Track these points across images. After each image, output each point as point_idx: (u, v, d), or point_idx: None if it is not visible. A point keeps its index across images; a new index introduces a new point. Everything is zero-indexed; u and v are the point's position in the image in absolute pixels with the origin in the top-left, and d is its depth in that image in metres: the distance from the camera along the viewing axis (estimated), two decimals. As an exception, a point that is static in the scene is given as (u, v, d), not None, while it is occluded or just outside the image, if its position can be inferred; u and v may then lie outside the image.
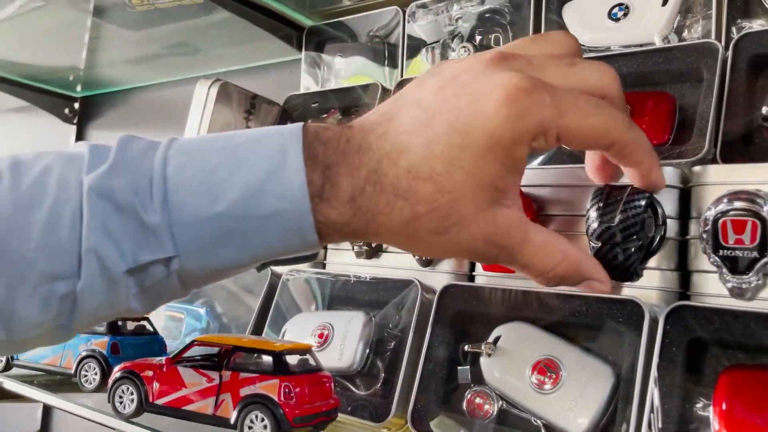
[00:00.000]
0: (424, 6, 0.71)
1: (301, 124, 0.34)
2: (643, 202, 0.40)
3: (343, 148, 0.33)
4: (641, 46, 0.56)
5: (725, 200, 0.39)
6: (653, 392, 0.38)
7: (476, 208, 0.32)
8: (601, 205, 0.41)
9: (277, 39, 0.83)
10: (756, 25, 0.52)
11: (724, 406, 0.36)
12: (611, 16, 0.59)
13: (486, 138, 0.32)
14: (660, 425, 0.37)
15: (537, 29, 0.63)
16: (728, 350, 0.39)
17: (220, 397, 0.42)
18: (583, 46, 0.60)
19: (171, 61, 1.05)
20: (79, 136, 1.30)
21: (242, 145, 0.34)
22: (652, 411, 0.38)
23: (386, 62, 0.76)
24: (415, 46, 0.72)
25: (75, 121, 1.30)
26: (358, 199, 0.32)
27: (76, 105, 1.30)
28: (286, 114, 0.76)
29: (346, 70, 0.79)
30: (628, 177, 0.39)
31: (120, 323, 0.55)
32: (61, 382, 0.57)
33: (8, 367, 0.57)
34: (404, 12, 0.73)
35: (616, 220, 0.41)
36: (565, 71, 0.35)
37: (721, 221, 0.39)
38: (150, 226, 0.32)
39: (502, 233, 0.33)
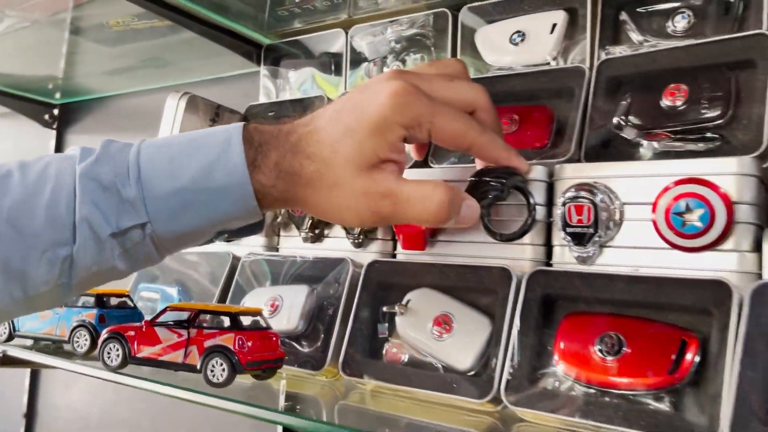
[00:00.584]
0: (363, 29, 0.83)
1: (244, 122, 0.46)
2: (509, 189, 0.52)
3: (275, 133, 0.45)
4: (536, 66, 0.69)
5: (572, 190, 0.52)
6: (515, 336, 0.51)
7: (359, 168, 0.44)
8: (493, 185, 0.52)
9: (238, 55, 0.95)
10: (617, 51, 0.65)
11: (561, 344, 0.49)
12: (511, 41, 0.71)
13: (375, 118, 0.44)
14: (518, 359, 0.50)
15: (454, 50, 0.75)
16: (573, 302, 0.51)
17: (188, 349, 0.54)
18: (492, 66, 0.73)
19: (144, 73, 1.16)
20: (59, 141, 1.39)
21: (197, 138, 0.46)
22: (514, 349, 0.50)
23: (333, 74, 0.88)
24: (360, 60, 0.84)
25: (54, 126, 1.39)
26: (280, 164, 0.44)
27: (56, 111, 1.39)
28: (246, 121, 0.87)
29: (298, 81, 0.90)
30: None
31: (105, 299, 0.66)
32: (56, 349, 0.68)
33: (11, 337, 0.68)
34: (347, 32, 0.85)
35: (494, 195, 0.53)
36: (445, 86, 0.48)
37: (567, 206, 0.52)
38: (128, 200, 0.44)
39: (381, 189, 0.44)
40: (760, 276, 0.46)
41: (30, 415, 1.35)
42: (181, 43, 0.97)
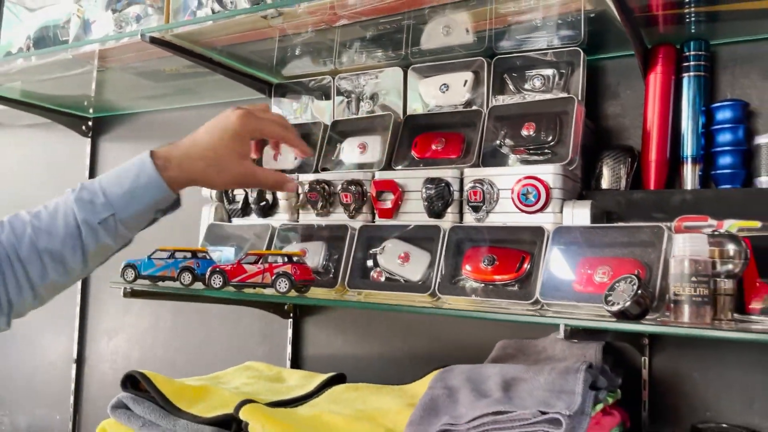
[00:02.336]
0: (344, 78, 1.26)
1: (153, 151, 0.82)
2: (442, 187, 0.97)
3: (172, 149, 0.82)
4: (455, 106, 1.14)
5: (471, 183, 0.97)
6: (441, 262, 0.96)
7: (232, 161, 0.82)
8: (430, 186, 0.97)
9: (255, 90, 1.36)
10: (501, 99, 1.10)
11: (466, 263, 0.94)
12: (440, 90, 1.16)
13: (232, 131, 0.82)
14: (444, 273, 0.95)
15: (405, 95, 1.19)
16: (472, 242, 0.97)
17: (264, 275, 0.97)
18: (429, 105, 1.17)
19: (174, 98, 1.55)
20: (93, 148, 1.76)
21: (126, 165, 0.81)
22: (441, 268, 0.95)
23: (323, 100, 1.30)
24: (340, 93, 1.27)
25: (89, 135, 1.76)
26: (182, 165, 0.81)
27: (90, 123, 1.76)
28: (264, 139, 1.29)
29: (299, 108, 1.33)
30: (295, 153, 0.95)
31: (196, 253, 1.07)
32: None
33: (135, 278, 1.09)
34: (333, 78, 1.28)
35: (433, 192, 0.98)
36: (262, 111, 0.88)
37: (468, 191, 0.97)
38: (101, 204, 0.79)
39: (248, 172, 0.85)
40: (561, 224, 0.92)
41: (79, 361, 1.74)
42: (211, 81, 1.37)
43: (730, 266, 0.77)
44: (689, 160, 1.00)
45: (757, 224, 0.89)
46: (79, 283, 1.73)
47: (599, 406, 0.88)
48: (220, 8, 1.04)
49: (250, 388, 1.17)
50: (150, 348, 1.63)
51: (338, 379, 1.22)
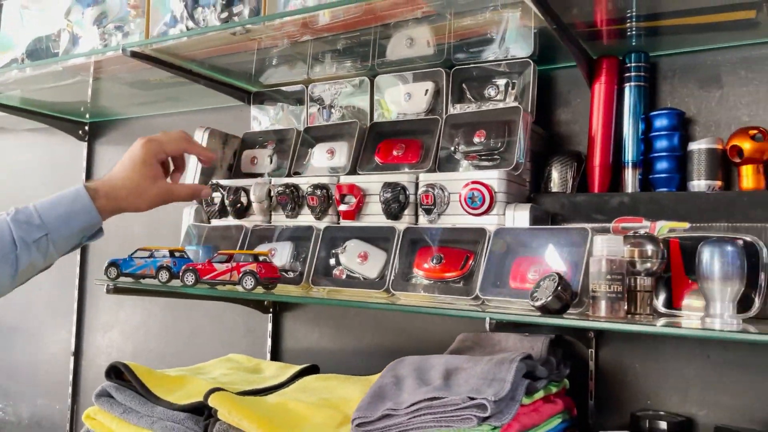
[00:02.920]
0: (316, 86, 1.33)
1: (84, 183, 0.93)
2: (398, 191, 1.05)
3: (100, 184, 0.93)
4: (417, 114, 1.21)
5: (424, 187, 1.05)
6: (395, 260, 1.03)
7: (148, 184, 0.95)
8: (387, 190, 1.05)
9: (234, 98, 1.44)
10: (459, 108, 1.17)
11: (417, 261, 1.01)
12: (404, 98, 1.23)
13: (140, 160, 0.95)
14: (397, 271, 1.02)
15: (372, 102, 1.27)
16: (423, 242, 1.04)
17: (232, 273, 1.05)
18: (393, 112, 1.24)
19: (163, 104, 1.64)
20: (90, 151, 1.85)
21: (61, 194, 0.92)
22: (396, 266, 1.03)
23: (297, 105, 1.38)
24: (313, 100, 1.34)
25: (86, 139, 1.85)
26: (108, 195, 0.93)
27: (87, 128, 1.85)
28: (243, 143, 1.37)
29: (275, 114, 1.41)
30: (199, 160, 1.05)
31: (174, 252, 1.16)
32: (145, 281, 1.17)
33: (118, 276, 1.17)
34: (307, 87, 1.35)
35: (389, 195, 1.05)
36: (165, 135, 0.99)
37: (421, 195, 1.04)
38: (36, 225, 0.89)
39: (163, 191, 0.97)
40: (503, 225, 0.99)
41: (77, 354, 1.83)
42: (194, 89, 1.45)
43: (648, 265, 0.84)
44: (630, 164, 1.07)
45: (686, 225, 0.96)
46: (76, 281, 1.83)
47: (538, 394, 0.95)
48: (193, 25, 1.12)
49: (228, 378, 1.25)
50: (142, 341, 1.72)
51: (311, 370, 1.30)
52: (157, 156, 0.99)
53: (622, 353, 1.10)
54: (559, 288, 0.80)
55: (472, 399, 0.81)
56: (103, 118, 1.83)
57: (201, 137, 1.30)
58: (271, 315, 1.47)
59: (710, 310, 0.80)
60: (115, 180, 0.96)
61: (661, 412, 1.04)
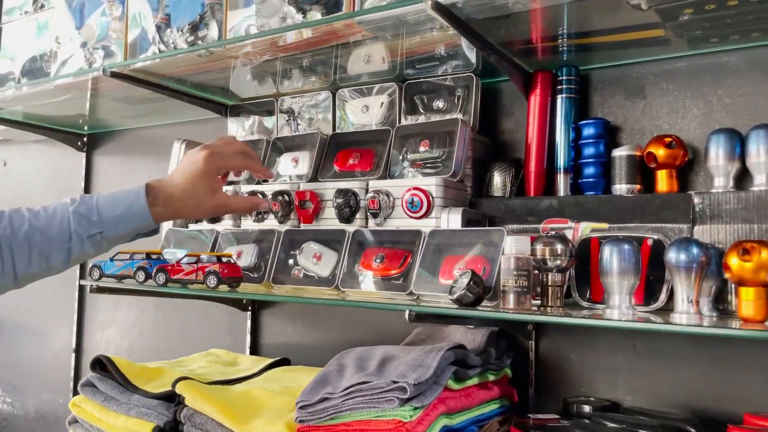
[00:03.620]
0: (285, 100, 1.44)
1: (147, 182, 1.00)
2: (349, 196, 1.15)
3: (161, 186, 1.00)
4: (375, 125, 1.31)
5: (371, 193, 1.15)
6: (345, 259, 1.13)
7: (206, 197, 1.00)
8: (339, 196, 1.15)
9: (212, 111, 1.55)
10: (410, 119, 1.26)
11: (363, 261, 1.11)
12: (362, 110, 1.33)
13: (201, 173, 1.00)
14: (345, 269, 1.12)
15: (334, 113, 1.37)
16: (370, 244, 1.14)
17: (197, 273, 1.16)
18: (353, 124, 1.34)
19: (151, 117, 1.76)
20: (88, 161, 1.98)
21: (124, 192, 1.00)
22: (344, 265, 1.13)
23: (269, 117, 1.49)
24: (283, 112, 1.45)
25: (84, 150, 1.98)
26: (167, 203, 0.99)
27: (85, 139, 1.98)
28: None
29: (250, 125, 1.52)
30: (257, 177, 1.19)
31: (150, 254, 1.27)
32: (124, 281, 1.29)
33: (100, 277, 1.28)
34: (277, 100, 1.46)
35: (341, 201, 1.15)
36: (228, 146, 1.06)
37: (368, 200, 1.14)
38: (94, 222, 0.97)
39: (221, 203, 1.03)
40: (439, 227, 1.09)
41: (78, 351, 1.96)
42: (175, 103, 1.56)
43: (558, 262, 0.93)
44: (562, 170, 1.15)
45: (605, 226, 1.05)
46: (77, 282, 1.95)
47: (471, 381, 1.05)
48: (163, 48, 1.23)
49: (203, 370, 1.36)
50: (137, 338, 1.84)
51: (282, 363, 1.40)
52: (218, 171, 1.02)
53: (559, 345, 1.19)
54: (471, 283, 0.89)
55: (395, 383, 0.91)
56: (100, 129, 1.96)
57: (179, 149, 1.42)
58: (249, 313, 1.58)
59: (610, 302, 0.88)
60: (175, 190, 0.99)
61: (591, 398, 1.12)
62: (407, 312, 0.90)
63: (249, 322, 1.58)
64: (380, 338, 1.37)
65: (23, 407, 2.09)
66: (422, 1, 0.93)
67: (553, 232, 0.98)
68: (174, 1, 1.26)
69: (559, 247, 0.93)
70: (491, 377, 1.11)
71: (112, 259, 1.28)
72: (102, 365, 1.29)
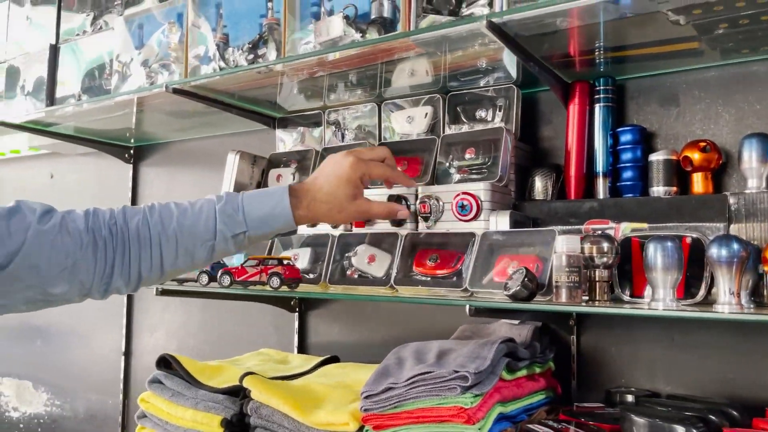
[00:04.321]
0: (332, 112, 1.53)
1: (289, 184, 1.13)
2: (401, 201, 1.23)
3: (304, 189, 1.09)
4: (418, 135, 1.39)
5: (422, 197, 1.22)
6: (398, 260, 1.21)
7: (349, 202, 1.09)
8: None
9: (261, 123, 1.64)
10: (454, 128, 1.34)
11: (417, 261, 1.19)
12: (407, 121, 1.41)
13: (346, 179, 1.09)
14: (398, 269, 1.20)
15: (380, 124, 1.45)
16: (423, 245, 1.22)
17: (261, 275, 1.24)
18: (399, 133, 1.42)
19: (199, 129, 1.85)
20: (135, 173, 2.08)
21: (269, 192, 1.12)
22: (397, 266, 1.21)
23: (316, 129, 1.57)
24: (330, 124, 1.54)
25: (131, 162, 2.08)
26: (309, 206, 1.08)
27: (132, 151, 2.08)
28: (270, 163, 1.57)
29: (297, 137, 1.60)
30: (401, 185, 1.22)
31: (212, 259, 1.35)
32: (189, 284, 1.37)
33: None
34: (323, 112, 1.55)
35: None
36: (370, 152, 1.16)
37: (420, 204, 1.22)
38: (239, 221, 1.07)
39: (363, 209, 1.12)
40: (488, 229, 1.17)
41: (127, 353, 2.05)
42: (225, 116, 1.65)
43: (605, 259, 1.01)
44: (601, 174, 1.23)
45: (645, 225, 1.12)
46: (125, 288, 2.04)
47: (521, 372, 1.12)
48: (224, 65, 1.32)
49: (259, 368, 1.44)
50: (183, 340, 1.92)
51: (332, 360, 1.48)
52: (363, 178, 1.06)
53: (599, 339, 1.26)
54: (526, 279, 0.97)
55: (457, 372, 0.98)
56: (146, 142, 2.05)
57: (233, 160, 1.51)
58: (297, 314, 1.66)
59: (655, 296, 0.96)
60: (318, 193, 1.03)
61: (632, 389, 1.19)
62: (467, 306, 0.98)
63: (297, 323, 1.66)
64: (425, 335, 1.44)
65: (72, 408, 2.18)
66: (479, 21, 1.01)
67: (599, 232, 1.06)
68: (232, 22, 1.35)
69: (605, 245, 1.01)
70: (537, 369, 1.18)
71: (176, 263, 1.37)
72: (167, 363, 1.37)
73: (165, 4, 1.49)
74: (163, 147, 2.03)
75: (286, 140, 1.63)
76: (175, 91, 1.40)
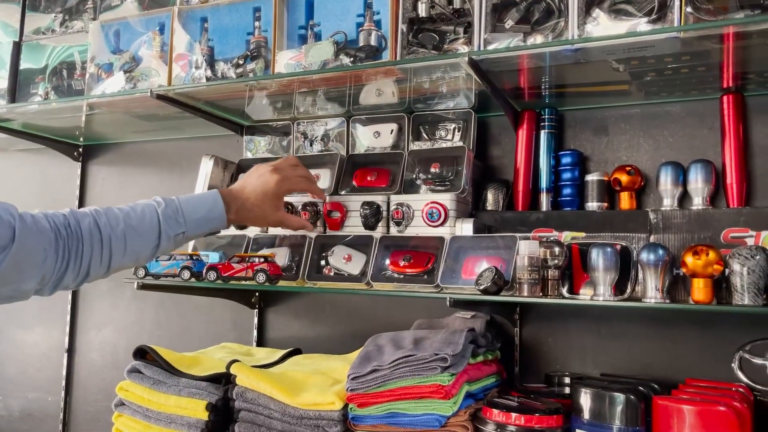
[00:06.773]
0: (301, 123, 1.66)
1: (218, 189, 1.24)
2: (374, 207, 1.39)
3: (233, 195, 1.22)
4: (384, 149, 1.55)
5: (394, 205, 1.39)
6: (373, 260, 1.37)
7: (271, 212, 1.25)
8: (366, 207, 1.38)
9: (229, 129, 1.74)
10: (418, 145, 1.52)
11: (390, 261, 1.36)
12: (374, 136, 1.57)
13: (272, 193, 1.25)
14: (374, 268, 1.36)
15: (348, 138, 1.60)
16: (395, 247, 1.38)
17: (247, 271, 1.35)
18: (365, 146, 1.58)
19: (160, 132, 1.91)
20: (83, 172, 2.09)
21: (201, 197, 1.22)
22: (372, 265, 1.36)
23: (284, 138, 1.70)
24: (301, 135, 1.67)
25: (80, 160, 2.09)
26: (238, 211, 1.22)
27: (81, 150, 2.10)
28: (239, 168, 1.68)
29: (265, 144, 1.72)
30: (312, 197, 1.41)
31: (193, 256, 1.44)
32: (171, 279, 1.45)
33: (146, 275, 1.44)
34: (293, 123, 1.67)
35: (368, 211, 1.39)
36: (294, 170, 1.30)
37: (392, 211, 1.39)
38: (180, 222, 1.16)
39: (281, 219, 1.28)
40: (454, 234, 1.35)
41: (70, 351, 2.05)
42: (193, 121, 1.74)
43: (556, 261, 1.21)
44: (544, 190, 1.45)
45: (583, 234, 1.35)
46: (70, 285, 2.05)
47: (480, 358, 1.31)
48: (212, 75, 1.42)
49: (230, 359, 1.54)
50: (136, 337, 1.97)
51: (296, 352, 1.61)
52: (286, 193, 1.26)
53: (539, 330, 1.47)
54: (495, 276, 1.15)
55: (437, 354, 1.15)
56: (97, 141, 2.08)
57: (208, 164, 1.60)
58: (256, 310, 1.77)
59: (596, 292, 1.17)
60: (246, 202, 1.21)
61: (566, 372, 1.41)
62: (448, 299, 1.15)
63: (256, 319, 1.77)
64: (380, 329, 1.60)
65: (6, 406, 2.15)
66: (461, 57, 1.19)
67: (552, 238, 1.27)
68: (219, 36, 1.46)
69: (557, 249, 1.21)
70: (489, 356, 1.38)
71: (157, 259, 1.45)
72: (143, 354, 1.45)
73: (145, 13, 1.57)
74: (116, 148, 2.07)
75: (252, 147, 1.74)
76: (159, 97, 1.48)
